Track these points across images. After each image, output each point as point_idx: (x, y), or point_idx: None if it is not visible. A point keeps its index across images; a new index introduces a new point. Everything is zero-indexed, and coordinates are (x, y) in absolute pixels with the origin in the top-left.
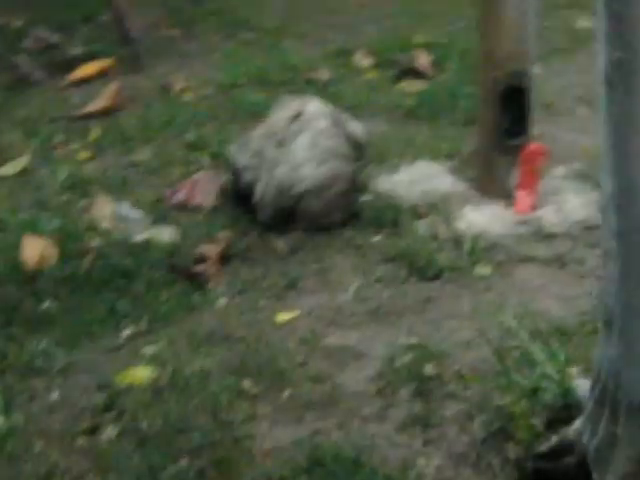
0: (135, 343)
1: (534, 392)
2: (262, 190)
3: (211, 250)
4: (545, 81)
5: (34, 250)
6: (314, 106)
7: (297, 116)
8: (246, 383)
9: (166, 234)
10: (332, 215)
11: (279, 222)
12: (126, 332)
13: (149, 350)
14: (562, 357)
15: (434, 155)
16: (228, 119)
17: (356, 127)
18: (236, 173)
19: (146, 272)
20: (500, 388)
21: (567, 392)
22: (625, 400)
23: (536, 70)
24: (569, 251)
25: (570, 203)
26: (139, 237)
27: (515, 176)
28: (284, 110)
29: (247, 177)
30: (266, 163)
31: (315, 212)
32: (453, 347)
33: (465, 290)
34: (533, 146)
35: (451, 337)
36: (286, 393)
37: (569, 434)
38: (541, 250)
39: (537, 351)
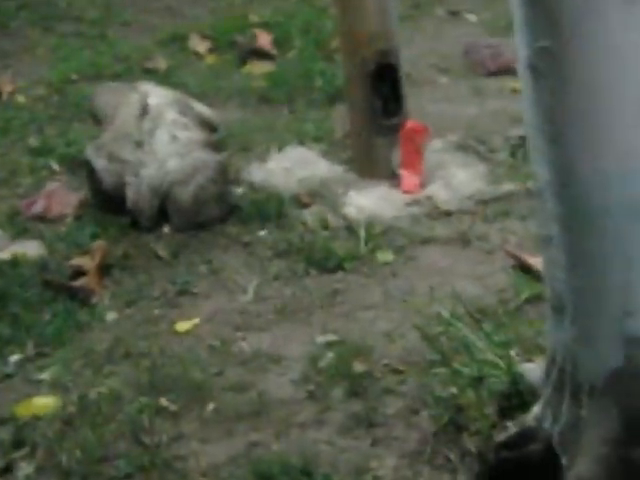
0: (26, 370)
1: (479, 380)
2: (134, 194)
3: (88, 262)
4: None
5: None
6: (157, 97)
7: (144, 113)
8: (163, 401)
9: (31, 249)
10: (207, 209)
11: (158, 224)
12: (13, 359)
13: (45, 376)
14: (497, 341)
15: (300, 139)
16: (69, 119)
17: (203, 109)
18: (96, 179)
19: (19, 292)
20: (441, 379)
21: (516, 378)
22: (586, 382)
23: None
24: (469, 228)
25: (457, 177)
26: (1, 255)
27: (397, 156)
28: (128, 107)
29: (109, 182)
30: (130, 167)
31: (187, 206)
32: (375, 340)
33: (371, 279)
34: (411, 124)
35: (370, 329)
36: (209, 407)
37: (528, 421)
38: (440, 230)
39: (471, 336)
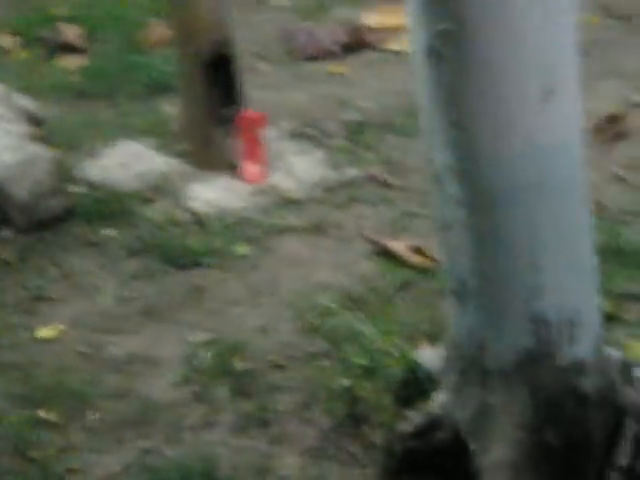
0: None
1: (372, 370)
2: None
3: None
4: None
5: None
6: None
7: None
8: (42, 412)
9: None
10: (46, 204)
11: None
12: None
13: None
14: (384, 328)
15: (129, 134)
16: None
17: (27, 102)
18: None
19: None
20: (329, 371)
21: (411, 366)
22: (495, 367)
23: None
24: (321, 216)
25: (297, 165)
26: None
27: (236, 146)
28: None
29: None
30: None
31: (25, 201)
32: (250, 335)
33: (231, 273)
34: (249, 113)
35: (242, 325)
36: (92, 416)
37: (432, 409)
38: (292, 219)
39: (358, 325)
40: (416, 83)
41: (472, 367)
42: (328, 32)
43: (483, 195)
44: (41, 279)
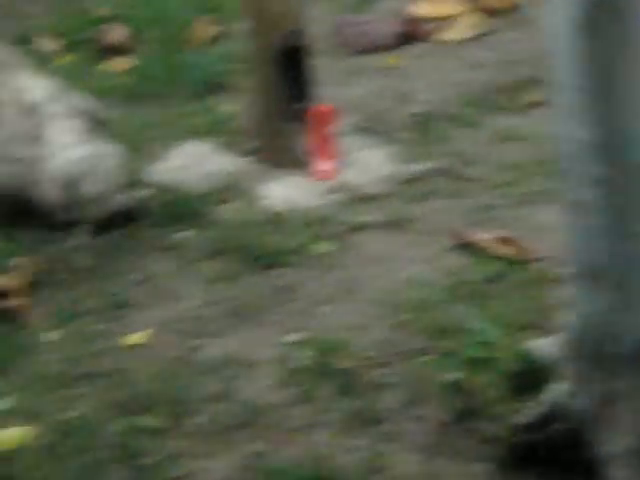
0: None
1: (484, 362)
2: (40, 190)
3: (9, 282)
4: None
5: None
6: (38, 90)
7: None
8: (143, 419)
9: None
10: (116, 199)
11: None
12: None
13: (9, 409)
14: (486, 320)
15: (189, 134)
16: None
17: (86, 103)
18: None
19: None
20: (434, 365)
21: (524, 357)
22: (625, 351)
23: None
24: (398, 211)
25: (367, 160)
26: None
27: (307, 142)
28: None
29: (7, 187)
30: (27, 164)
31: (95, 196)
32: (345, 334)
33: (315, 272)
34: (321, 107)
35: (335, 324)
36: (194, 421)
37: (548, 399)
38: (370, 215)
39: (456, 317)
40: (552, 56)
41: (598, 353)
42: (381, 24)
43: (628, 173)
44: (120, 285)
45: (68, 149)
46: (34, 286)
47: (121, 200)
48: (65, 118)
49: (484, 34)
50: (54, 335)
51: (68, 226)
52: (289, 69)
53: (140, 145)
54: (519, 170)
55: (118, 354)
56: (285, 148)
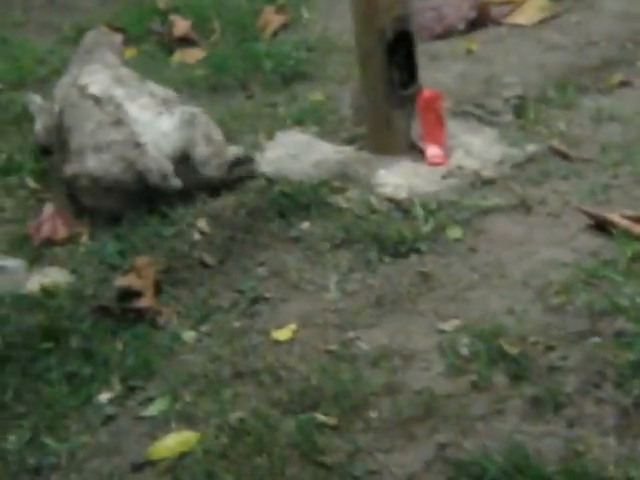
0: (127, 408)
1: None
2: (145, 165)
3: (135, 281)
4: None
5: None
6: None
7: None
8: (318, 416)
9: (57, 276)
10: (229, 155)
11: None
12: (103, 398)
13: (153, 411)
14: None
15: (282, 124)
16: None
17: (169, 94)
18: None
19: (74, 325)
20: (607, 347)
21: None
22: None
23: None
24: (519, 193)
25: (474, 144)
26: (30, 287)
27: (417, 128)
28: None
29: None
30: (123, 145)
31: (207, 155)
32: (501, 319)
33: (451, 257)
34: (428, 92)
35: (487, 309)
36: (370, 415)
37: None
38: (493, 199)
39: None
40: None
41: None
42: (454, 8)
43: None
44: (250, 279)
45: (156, 122)
46: (158, 285)
47: (234, 151)
48: (138, 98)
49: (553, 17)
50: (193, 334)
51: (184, 208)
52: (399, 54)
53: (235, 136)
54: (625, 150)
55: (267, 350)
56: (394, 134)
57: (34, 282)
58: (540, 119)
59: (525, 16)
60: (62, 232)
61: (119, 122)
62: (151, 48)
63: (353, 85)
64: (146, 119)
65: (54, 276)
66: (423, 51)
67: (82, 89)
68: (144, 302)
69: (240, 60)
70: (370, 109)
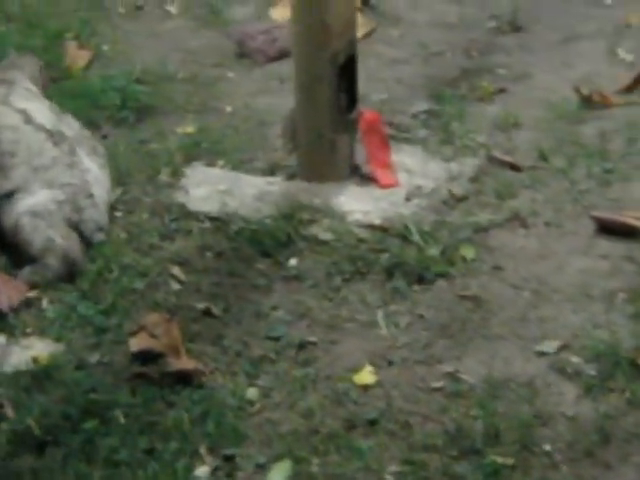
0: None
1: None
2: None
3: (152, 342)
4: None
5: None
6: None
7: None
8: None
9: (43, 348)
10: None
11: None
12: (201, 472)
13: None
14: None
15: (174, 160)
16: None
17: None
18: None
19: (111, 398)
20: None
21: None
22: None
23: None
24: (504, 207)
25: (406, 162)
26: (16, 363)
27: (360, 151)
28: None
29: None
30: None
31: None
32: (599, 332)
33: (485, 277)
34: (368, 114)
35: (575, 325)
36: (546, 448)
37: None
38: (483, 215)
39: None
40: None
41: None
42: (284, 30)
43: None
44: (278, 325)
45: (100, 175)
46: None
47: None
48: (80, 142)
49: (371, 32)
50: (255, 390)
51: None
52: (344, 79)
53: (129, 177)
54: (558, 155)
55: (365, 396)
56: (338, 160)
57: (18, 357)
58: (452, 132)
59: None
60: (17, 298)
61: (73, 165)
62: None
63: (285, 113)
64: (94, 169)
65: (38, 347)
66: (269, 75)
67: (24, 114)
68: (185, 363)
69: (72, 100)
70: (312, 136)
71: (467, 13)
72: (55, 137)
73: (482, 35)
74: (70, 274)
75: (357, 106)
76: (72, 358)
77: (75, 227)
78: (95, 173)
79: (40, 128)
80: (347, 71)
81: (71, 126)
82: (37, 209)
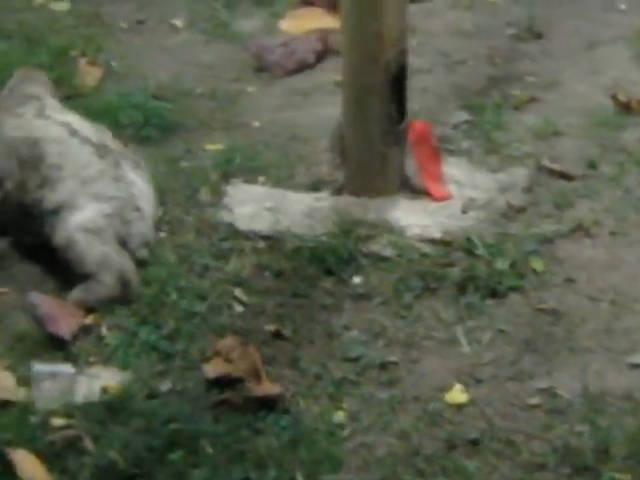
0: None
1: None
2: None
3: (226, 367)
4: None
5: None
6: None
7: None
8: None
9: (110, 377)
10: None
11: None
12: None
13: None
14: None
15: (208, 178)
16: None
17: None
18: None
19: (195, 427)
20: None
21: None
22: None
23: None
24: (566, 217)
25: (454, 174)
26: (84, 393)
27: (410, 164)
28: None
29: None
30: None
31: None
32: None
33: (558, 289)
34: (418, 125)
35: None
36: None
37: None
38: (546, 226)
39: None
40: None
41: None
42: (302, 42)
43: None
44: (354, 345)
45: (146, 189)
46: None
47: None
48: (124, 156)
49: None
50: (342, 414)
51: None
52: (395, 90)
53: (169, 195)
54: (605, 163)
55: (458, 415)
56: (389, 173)
57: (87, 387)
58: (495, 141)
59: None
60: (75, 324)
61: (119, 178)
62: None
63: (333, 127)
64: (140, 183)
65: (105, 376)
66: (290, 89)
67: (69, 126)
68: (268, 388)
69: (90, 117)
70: (363, 149)
71: (481, 21)
72: (100, 150)
73: (503, 42)
74: (123, 294)
75: (407, 117)
76: (142, 387)
77: (122, 242)
78: (141, 187)
79: (86, 140)
80: (398, 81)
81: (112, 140)
82: (89, 225)
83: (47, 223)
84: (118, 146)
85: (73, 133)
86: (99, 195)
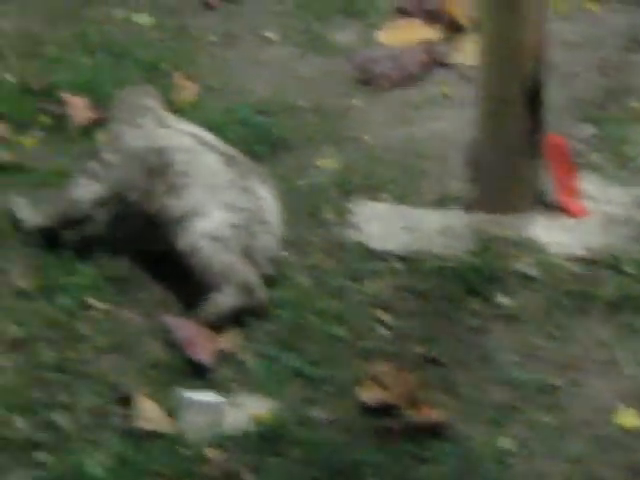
0: None
1: None
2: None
3: (381, 394)
4: None
5: None
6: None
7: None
8: None
9: (257, 405)
10: None
11: None
12: None
13: None
14: None
15: (329, 195)
16: None
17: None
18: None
19: (358, 458)
20: None
21: None
22: None
23: None
24: None
25: (593, 191)
26: (233, 423)
27: (546, 179)
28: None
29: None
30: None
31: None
32: None
33: None
34: (555, 139)
35: None
36: None
37: None
38: None
39: None
40: None
41: None
42: (410, 54)
43: None
44: (516, 368)
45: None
46: None
47: None
48: (251, 169)
49: None
50: (509, 441)
51: None
52: (533, 103)
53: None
54: None
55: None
56: (524, 189)
57: (235, 416)
58: (625, 155)
59: (465, 55)
60: (213, 349)
61: (247, 190)
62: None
63: (467, 140)
64: (268, 197)
65: (251, 405)
66: (398, 102)
67: (196, 135)
68: (429, 414)
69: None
70: (499, 164)
71: (584, 31)
72: (229, 160)
73: (611, 53)
74: (250, 304)
75: (544, 130)
76: (293, 415)
77: (247, 254)
78: (268, 201)
79: (214, 149)
80: (535, 93)
81: (238, 152)
82: (215, 233)
83: (172, 231)
84: (244, 159)
85: (200, 141)
86: (227, 204)
